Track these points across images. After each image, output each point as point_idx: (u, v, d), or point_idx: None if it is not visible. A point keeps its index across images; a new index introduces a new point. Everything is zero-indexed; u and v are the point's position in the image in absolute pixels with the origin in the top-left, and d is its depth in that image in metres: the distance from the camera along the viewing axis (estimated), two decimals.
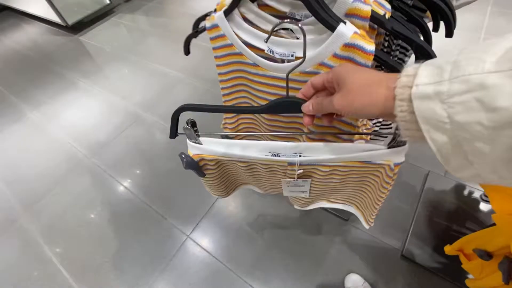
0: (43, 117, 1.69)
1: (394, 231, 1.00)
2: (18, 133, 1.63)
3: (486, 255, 0.50)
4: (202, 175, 0.55)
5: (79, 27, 2.39)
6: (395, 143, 0.40)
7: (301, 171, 0.49)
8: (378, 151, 0.42)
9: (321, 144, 0.45)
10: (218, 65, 0.53)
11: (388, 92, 0.25)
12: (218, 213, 1.13)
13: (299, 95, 0.37)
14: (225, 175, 0.61)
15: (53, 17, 2.36)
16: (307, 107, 0.36)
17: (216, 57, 0.51)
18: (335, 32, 0.37)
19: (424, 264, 0.90)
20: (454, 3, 0.63)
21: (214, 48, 0.50)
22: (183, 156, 0.49)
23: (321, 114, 0.37)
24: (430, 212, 1.02)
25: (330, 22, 0.36)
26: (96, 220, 1.17)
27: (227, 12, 0.42)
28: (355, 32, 0.36)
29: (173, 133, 0.48)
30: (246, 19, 0.44)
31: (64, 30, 2.44)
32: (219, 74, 0.55)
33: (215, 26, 0.45)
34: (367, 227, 0.64)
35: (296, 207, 0.72)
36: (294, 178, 0.51)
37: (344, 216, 1.06)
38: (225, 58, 0.50)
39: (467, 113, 0.19)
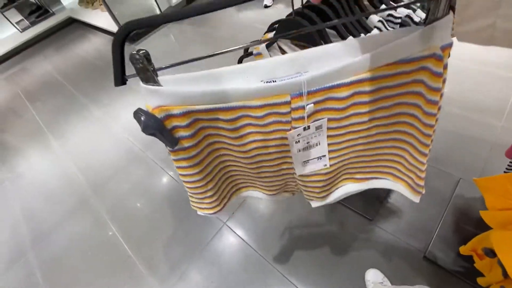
0: (107, 116, 2.00)
1: (418, 233, 1.04)
2: (88, 128, 1.95)
3: (491, 253, 0.56)
4: (173, 143, 0.37)
5: (135, 37, 2.72)
6: (432, 16, 0.28)
7: (312, 105, 0.35)
8: (414, 34, 0.29)
9: (330, 45, 0.34)
10: None
11: None
12: (251, 205, 1.27)
13: None
14: (211, 162, 0.44)
15: (114, 28, 2.72)
16: None
17: None
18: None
19: (446, 267, 0.93)
20: None
21: None
22: (139, 112, 0.34)
23: None
24: (457, 218, 1.04)
25: None
26: (149, 203, 1.38)
27: (268, 45, 0.55)
28: None
29: (119, 77, 0.34)
30: (281, 49, 0.56)
31: None
32: None
33: (259, 54, 0.58)
34: (417, 199, 0.47)
35: (314, 204, 0.53)
36: (304, 122, 0.36)
37: (369, 216, 1.12)
38: None
39: None
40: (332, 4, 0.47)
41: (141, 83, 0.34)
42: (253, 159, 0.43)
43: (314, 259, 1.06)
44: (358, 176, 0.49)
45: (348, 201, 1.17)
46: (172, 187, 1.42)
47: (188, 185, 0.46)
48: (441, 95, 0.33)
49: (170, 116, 0.35)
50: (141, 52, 0.32)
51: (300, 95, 0.34)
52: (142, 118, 0.34)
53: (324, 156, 0.42)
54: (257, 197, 0.56)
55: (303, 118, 0.36)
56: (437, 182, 1.15)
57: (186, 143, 0.38)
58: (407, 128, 0.39)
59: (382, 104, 0.36)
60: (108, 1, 2.45)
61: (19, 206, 1.57)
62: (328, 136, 0.39)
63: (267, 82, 0.35)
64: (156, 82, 0.34)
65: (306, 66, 0.35)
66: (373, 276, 0.95)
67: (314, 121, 0.37)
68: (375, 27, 0.48)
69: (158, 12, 2.77)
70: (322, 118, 0.37)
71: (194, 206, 0.51)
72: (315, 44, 0.46)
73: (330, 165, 0.44)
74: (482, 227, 0.99)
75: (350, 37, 0.35)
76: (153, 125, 0.34)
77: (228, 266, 1.10)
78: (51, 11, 3.89)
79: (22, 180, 1.73)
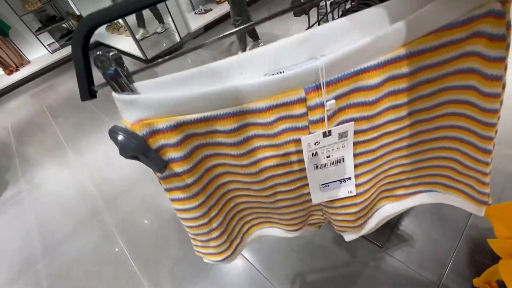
0: None
1: (431, 264, 1.00)
2: (105, 144, 2.03)
3: (504, 285, 0.54)
4: (161, 167, 0.30)
5: (155, 60, 2.89)
6: None
7: (333, 101, 0.27)
8: None
9: (350, 16, 0.26)
10: None
11: None
12: None
13: None
14: (214, 192, 0.36)
15: (136, 52, 2.91)
16: None
17: None
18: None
19: None
20: None
21: None
22: (115, 131, 0.28)
23: None
24: (472, 250, 1.00)
25: None
26: (158, 219, 1.40)
27: None
28: None
29: (85, 88, 0.28)
30: None
31: (144, 63, 2.97)
32: None
33: None
34: (481, 212, 0.36)
35: (348, 237, 0.44)
36: (323, 125, 0.28)
37: (379, 243, 1.09)
38: None
39: None
40: None
41: (113, 93, 0.28)
42: (265, 183, 0.34)
43: (322, 286, 1.03)
44: (399, 192, 0.39)
45: None
46: None
47: (188, 224, 0.37)
48: (505, 67, 0.25)
49: (155, 133, 0.28)
50: (110, 54, 0.25)
51: (318, 87, 0.26)
52: (119, 138, 0.27)
53: (349, 178, 0.33)
54: (276, 235, 0.46)
55: (323, 120, 0.28)
56: (451, 211, 1.12)
57: (178, 168, 0.30)
58: (459, 121, 0.30)
59: (424, 92, 0.28)
60: (132, 27, 2.65)
61: (34, 216, 1.61)
62: (358, 143, 0.31)
63: (272, 74, 0.27)
64: (132, 90, 0.27)
65: (321, 48, 0.27)
66: None
67: (338, 124, 0.29)
68: None
69: (178, 38, 2.96)
70: (348, 120, 0.29)
71: (198, 251, 0.41)
72: None
73: (359, 185, 0.34)
74: (497, 258, 0.95)
75: (377, 6, 0.26)
76: (134, 145, 0.27)
77: (234, 287, 1.09)
78: None
79: (38, 191, 1.79)
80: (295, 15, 0.48)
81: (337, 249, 1.12)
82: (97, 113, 2.41)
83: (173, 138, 0.28)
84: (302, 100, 0.27)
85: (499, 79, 0.25)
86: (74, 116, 2.50)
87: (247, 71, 0.28)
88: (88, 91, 0.28)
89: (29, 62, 3.96)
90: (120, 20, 3.02)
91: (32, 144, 2.31)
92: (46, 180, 1.86)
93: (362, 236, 1.12)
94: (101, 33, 4.06)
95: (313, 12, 0.52)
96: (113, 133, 0.28)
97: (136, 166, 1.73)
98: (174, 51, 2.98)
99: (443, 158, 0.34)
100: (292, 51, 0.27)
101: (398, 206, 0.40)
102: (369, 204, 0.38)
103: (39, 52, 4.03)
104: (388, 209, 0.40)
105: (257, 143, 0.31)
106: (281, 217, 0.41)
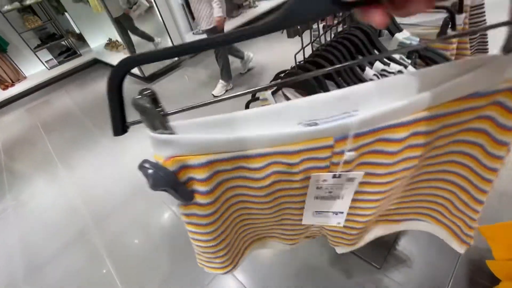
0: (119, 149, 2.06)
1: (430, 286, 0.97)
2: (98, 160, 2.00)
3: None
4: (188, 198, 0.32)
5: (152, 77, 2.93)
6: None
7: (353, 153, 0.30)
8: (490, 65, 0.25)
9: (386, 79, 0.28)
10: None
11: None
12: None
13: None
14: (227, 218, 0.38)
15: (134, 69, 2.95)
16: None
17: None
18: None
19: None
20: None
21: None
22: (147, 165, 0.28)
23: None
24: (471, 271, 0.98)
25: None
26: (148, 240, 1.35)
27: (273, 92, 0.60)
28: None
29: (118, 125, 0.29)
30: (286, 96, 0.60)
31: (141, 80, 3.01)
32: None
33: (265, 99, 0.63)
34: (462, 249, 0.41)
35: (340, 250, 0.49)
36: (342, 167, 0.31)
37: (377, 264, 1.06)
38: None
39: None
40: (332, 61, 0.52)
41: (148, 131, 0.28)
42: (278, 206, 0.37)
43: None
44: (394, 217, 0.44)
45: None
46: (173, 224, 1.40)
47: (197, 243, 0.39)
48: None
49: (185, 167, 0.30)
50: (146, 92, 0.26)
51: (346, 138, 0.28)
52: (150, 172, 0.27)
53: (342, 213, 0.37)
54: (273, 248, 0.51)
55: (345, 163, 0.30)
56: None
57: (202, 200, 0.32)
58: (459, 169, 0.33)
59: (438, 144, 0.31)
60: (131, 45, 2.70)
61: (18, 234, 1.55)
62: (371, 183, 0.33)
63: (307, 124, 0.29)
64: (167, 129, 0.28)
65: (356, 104, 0.29)
66: None
67: (357, 164, 0.32)
68: (370, 79, 0.52)
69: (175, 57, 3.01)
70: (367, 163, 0.32)
71: (201, 264, 0.44)
72: (314, 92, 0.41)
73: (360, 216, 0.37)
74: (497, 280, 0.92)
75: (410, 68, 0.31)
76: (165, 181, 0.28)
77: None
78: (78, 53, 4.27)
79: (25, 208, 1.73)
80: (289, 36, 0.51)
81: (334, 271, 1.08)
82: (91, 129, 2.39)
83: (203, 174, 0.30)
84: (330, 147, 0.30)
85: (506, 144, 0.28)
86: (67, 132, 2.47)
87: (283, 118, 0.30)
88: (121, 127, 0.29)
89: (25, 77, 3.97)
90: (119, 39, 3.09)
91: (22, 160, 2.26)
92: (33, 197, 1.81)
93: (359, 257, 1.09)
94: (99, 51, 4.12)
95: (306, 34, 0.54)
96: (143, 168, 0.28)
97: (127, 184, 1.70)
98: (171, 70, 3.03)
99: (440, 196, 0.38)
100: (329, 105, 0.29)
101: (390, 228, 0.46)
102: (366, 227, 0.42)
103: (36, 68, 4.05)
104: (380, 230, 0.46)
105: (278, 177, 0.33)
106: (284, 232, 0.45)
